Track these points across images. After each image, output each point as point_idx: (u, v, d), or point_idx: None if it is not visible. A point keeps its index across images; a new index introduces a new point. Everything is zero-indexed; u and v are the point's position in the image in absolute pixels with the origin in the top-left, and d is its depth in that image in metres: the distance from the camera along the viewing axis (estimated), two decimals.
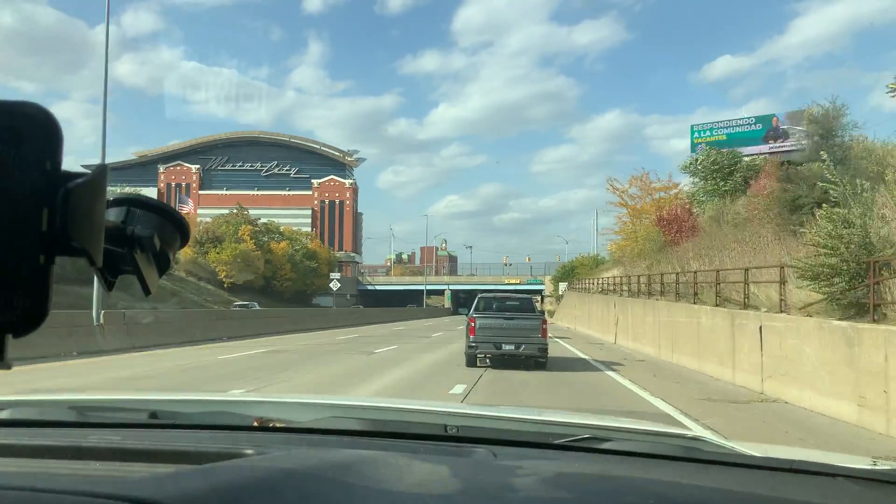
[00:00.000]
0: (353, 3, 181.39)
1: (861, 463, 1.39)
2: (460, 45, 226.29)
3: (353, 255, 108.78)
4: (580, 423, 1.74)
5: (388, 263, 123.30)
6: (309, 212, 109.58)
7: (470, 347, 13.69)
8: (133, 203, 0.65)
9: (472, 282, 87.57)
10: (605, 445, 1.45)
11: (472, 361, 13.82)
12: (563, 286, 65.57)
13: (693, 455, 1.41)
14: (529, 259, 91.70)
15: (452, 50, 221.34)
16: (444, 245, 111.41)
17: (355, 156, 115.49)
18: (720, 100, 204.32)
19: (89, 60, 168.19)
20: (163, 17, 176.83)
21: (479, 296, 15.71)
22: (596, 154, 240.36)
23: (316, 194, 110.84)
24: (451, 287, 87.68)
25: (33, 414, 1.65)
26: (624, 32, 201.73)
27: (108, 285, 0.61)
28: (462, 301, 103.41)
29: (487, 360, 14.23)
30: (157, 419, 1.65)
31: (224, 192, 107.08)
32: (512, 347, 13.40)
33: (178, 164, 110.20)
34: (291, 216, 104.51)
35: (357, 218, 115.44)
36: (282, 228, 74.24)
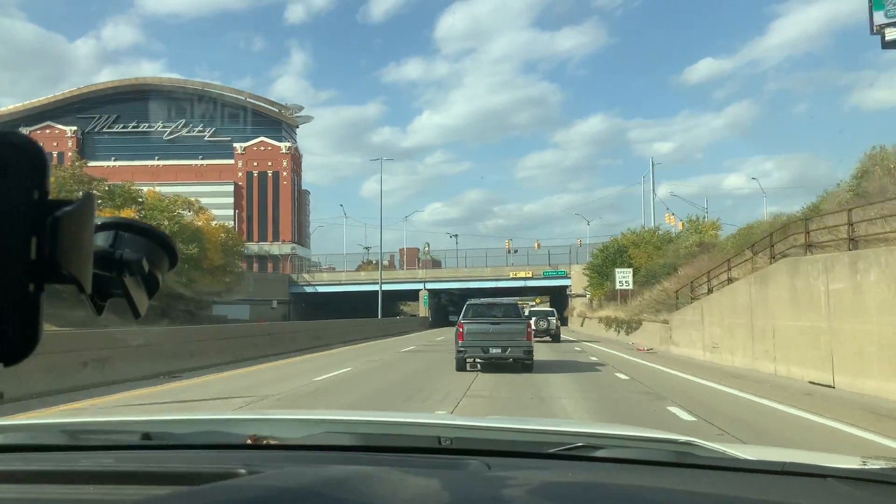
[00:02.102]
0: (335, 13, 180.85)
1: (851, 463, 1.39)
2: (443, 52, 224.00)
3: (292, 245, 79.09)
4: (573, 432, 1.70)
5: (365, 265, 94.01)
6: (230, 188, 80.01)
7: (459, 352, 13.98)
8: (120, 227, 0.65)
9: (461, 277, 58.41)
10: (598, 453, 1.46)
11: (461, 366, 14.06)
12: (622, 276, 37.05)
13: (685, 460, 1.42)
14: (539, 245, 62.54)
15: (435, 57, 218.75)
16: (426, 248, 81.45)
17: (298, 113, 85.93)
18: (702, 102, 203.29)
19: (68, 75, 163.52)
20: (143, 30, 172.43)
21: (468, 303, 15.86)
22: (580, 158, 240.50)
23: (240, 163, 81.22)
24: (430, 286, 58.49)
25: (25, 438, 1.63)
26: (606, 37, 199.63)
27: (98, 310, 0.61)
28: (448, 307, 74.20)
29: (478, 365, 14.21)
30: (150, 440, 1.63)
31: (112, 162, 77.22)
32: (499, 351, 13.71)
33: (49, 126, 79.92)
34: (206, 194, 74.82)
35: (299, 197, 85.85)
36: (145, 191, 44.70)
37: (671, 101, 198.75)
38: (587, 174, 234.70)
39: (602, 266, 47.06)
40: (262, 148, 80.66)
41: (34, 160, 0.50)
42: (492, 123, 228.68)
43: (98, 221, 0.61)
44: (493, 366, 13.99)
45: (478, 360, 14.09)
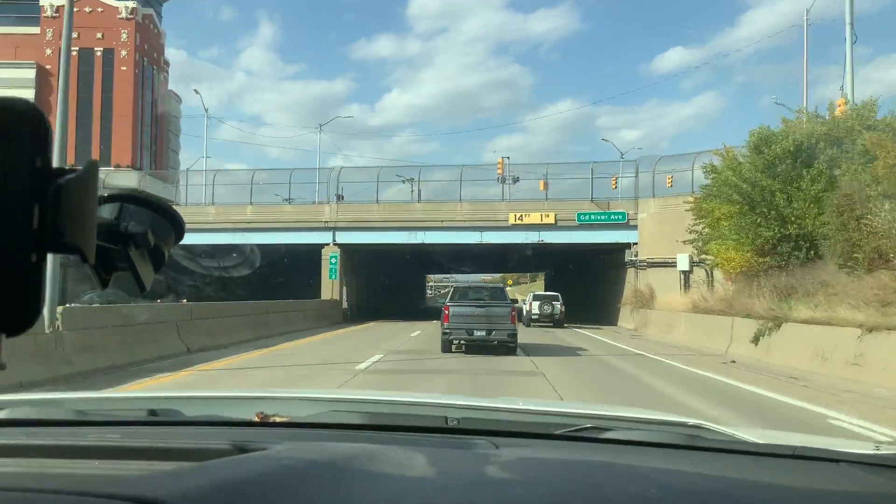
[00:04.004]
0: None
1: (864, 448, 1.38)
2: (415, 30, 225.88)
3: (138, 174, 48.19)
4: (581, 413, 1.72)
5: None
6: (31, 72, 48.79)
7: (444, 334, 14.06)
8: (126, 199, 0.65)
9: (408, 220, 28.85)
10: (607, 435, 1.46)
11: (446, 347, 14.13)
12: None
13: (695, 443, 1.41)
14: (545, 184, 32.55)
15: (407, 35, 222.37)
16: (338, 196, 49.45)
17: None
18: (670, 92, 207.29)
19: None
20: None
21: (454, 287, 17.18)
22: (547, 143, 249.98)
23: (50, 33, 49.75)
24: (344, 238, 28.97)
25: (32, 413, 1.63)
26: (579, 22, 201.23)
27: (103, 283, 0.60)
28: (399, 279, 44.35)
29: (463, 347, 14.26)
30: (156, 416, 1.64)
31: None
32: (483, 333, 13.72)
33: None
34: None
35: (157, 100, 54.55)
36: None
37: (640, 90, 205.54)
38: (554, 159, 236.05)
39: (760, 188, 18.56)
40: (88, 9, 49.21)
41: (37, 127, 0.49)
42: (461, 105, 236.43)
43: (104, 193, 0.61)
44: None
45: (462, 341, 14.06)
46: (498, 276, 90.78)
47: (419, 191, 29.81)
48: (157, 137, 53.46)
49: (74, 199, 0.50)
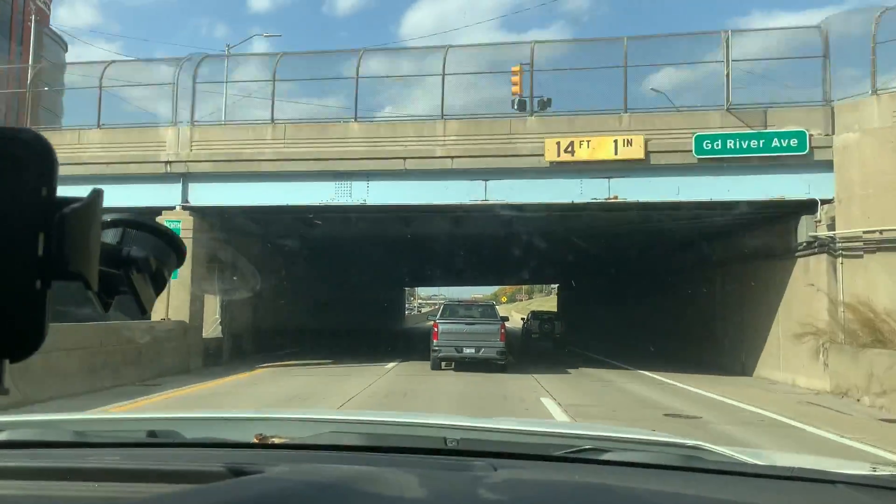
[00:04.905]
0: (300, 3, 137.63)
1: (861, 469, 1.40)
2: (408, 48, 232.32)
3: None
4: (580, 435, 1.73)
5: None
6: None
7: (434, 351, 14.05)
8: (128, 224, 0.67)
9: (360, 159, 14.22)
10: (606, 457, 1.46)
11: (436, 365, 14.07)
12: None
13: (693, 464, 1.41)
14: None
15: (400, 53, 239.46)
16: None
17: None
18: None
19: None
20: (101, 10, 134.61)
21: (444, 304, 16.69)
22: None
23: None
24: (202, 197, 14.17)
25: (32, 435, 1.62)
26: (571, 42, 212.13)
27: (105, 307, 0.61)
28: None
29: (452, 364, 14.19)
30: (155, 438, 1.64)
31: None
32: (472, 351, 13.75)
33: None
34: None
35: (11, 33, 39.68)
36: None
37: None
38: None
39: None
40: None
41: (43, 157, 0.49)
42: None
43: (106, 218, 0.62)
44: None
45: (452, 359, 13.98)
46: (490, 292, 76.56)
47: (359, 93, 15.39)
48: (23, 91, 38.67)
49: (79, 227, 0.50)
